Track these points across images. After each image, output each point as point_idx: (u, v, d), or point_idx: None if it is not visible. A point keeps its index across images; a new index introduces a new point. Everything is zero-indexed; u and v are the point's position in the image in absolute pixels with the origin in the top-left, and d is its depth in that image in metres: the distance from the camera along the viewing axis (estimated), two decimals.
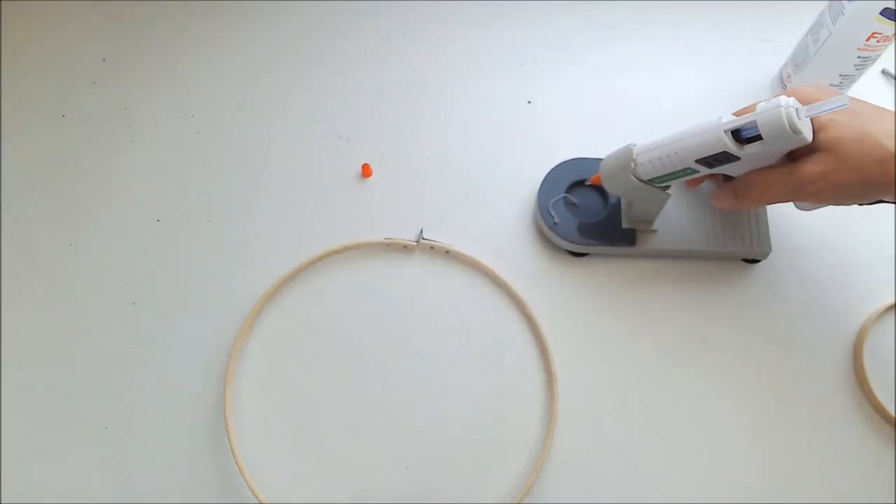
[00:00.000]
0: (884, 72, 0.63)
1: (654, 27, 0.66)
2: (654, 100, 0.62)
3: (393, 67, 0.64)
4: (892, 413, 0.49)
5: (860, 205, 0.45)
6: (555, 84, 0.63)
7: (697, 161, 0.44)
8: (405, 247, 0.56)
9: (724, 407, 0.51)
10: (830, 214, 0.57)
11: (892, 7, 0.48)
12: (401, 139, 0.60)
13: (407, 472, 0.49)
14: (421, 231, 0.56)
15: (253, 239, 0.57)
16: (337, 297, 0.54)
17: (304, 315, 0.54)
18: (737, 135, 0.42)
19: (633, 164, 0.47)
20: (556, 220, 0.54)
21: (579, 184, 0.55)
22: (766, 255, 0.54)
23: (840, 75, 0.55)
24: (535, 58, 0.64)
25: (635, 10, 0.66)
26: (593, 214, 0.55)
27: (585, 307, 0.54)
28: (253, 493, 0.47)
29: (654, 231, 0.54)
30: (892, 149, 0.41)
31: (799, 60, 0.58)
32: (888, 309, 0.53)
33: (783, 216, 0.56)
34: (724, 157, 0.43)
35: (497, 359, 0.52)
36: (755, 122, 0.41)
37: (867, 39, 0.51)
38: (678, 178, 0.47)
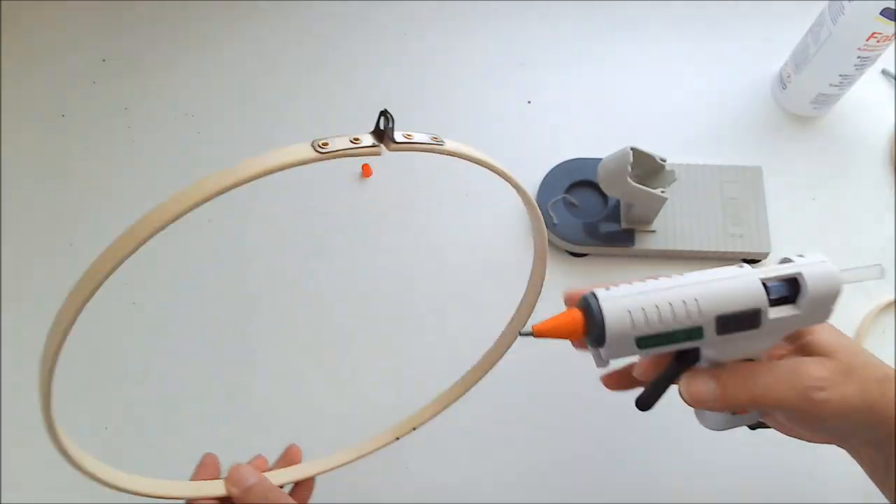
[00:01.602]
0: (884, 72, 0.63)
1: (654, 27, 0.66)
2: (654, 100, 0.62)
3: (393, 67, 0.64)
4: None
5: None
6: (555, 84, 0.63)
7: (719, 317, 0.32)
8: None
9: None
10: (830, 214, 0.57)
11: (892, 7, 0.48)
12: None
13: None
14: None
15: (253, 239, 0.57)
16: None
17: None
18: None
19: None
20: (555, 221, 0.54)
21: (579, 184, 0.56)
22: (766, 255, 0.54)
23: (840, 75, 0.55)
24: (535, 58, 0.64)
25: (635, 10, 0.66)
26: (593, 214, 0.55)
27: None
28: None
29: (654, 231, 0.54)
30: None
31: (799, 60, 0.58)
32: (887, 306, 0.53)
33: (783, 216, 0.56)
34: (746, 320, 0.33)
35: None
36: (800, 273, 0.34)
37: (867, 39, 0.51)
38: (668, 345, 0.33)
